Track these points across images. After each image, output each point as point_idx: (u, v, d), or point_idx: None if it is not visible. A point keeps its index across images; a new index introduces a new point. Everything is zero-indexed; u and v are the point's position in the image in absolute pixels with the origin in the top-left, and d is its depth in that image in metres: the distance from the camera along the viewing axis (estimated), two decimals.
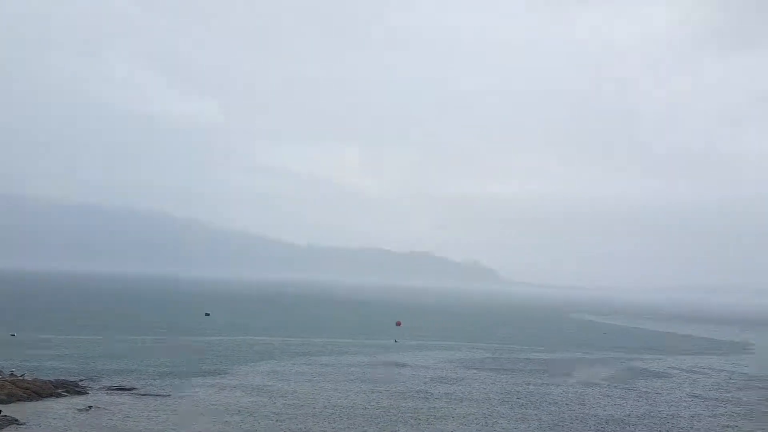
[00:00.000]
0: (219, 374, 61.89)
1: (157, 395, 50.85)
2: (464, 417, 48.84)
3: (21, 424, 40.55)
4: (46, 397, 48.44)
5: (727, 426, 50.84)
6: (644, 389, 67.22)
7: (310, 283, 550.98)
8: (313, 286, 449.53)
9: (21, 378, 51.89)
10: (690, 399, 62.79)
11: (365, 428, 43.75)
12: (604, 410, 54.74)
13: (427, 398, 55.39)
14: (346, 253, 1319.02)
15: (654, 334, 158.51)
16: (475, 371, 73.00)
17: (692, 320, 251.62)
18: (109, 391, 51.66)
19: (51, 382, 52.04)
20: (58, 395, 49.35)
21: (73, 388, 51.69)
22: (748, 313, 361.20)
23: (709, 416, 54.41)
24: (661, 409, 56.37)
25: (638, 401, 59.92)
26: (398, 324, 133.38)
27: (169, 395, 51.09)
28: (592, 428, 47.73)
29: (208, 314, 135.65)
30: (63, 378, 55.11)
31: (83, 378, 56.05)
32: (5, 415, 41.84)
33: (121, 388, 52.96)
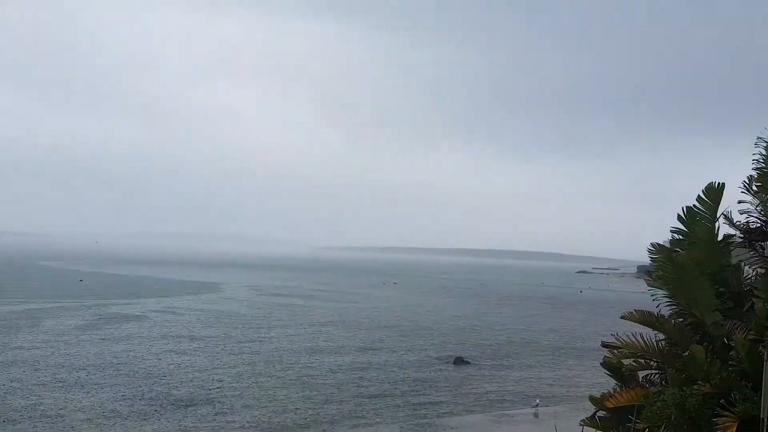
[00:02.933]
0: None
1: None
2: None
3: None
4: None
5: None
6: (118, 334, 67.87)
7: None
8: None
9: None
10: (161, 339, 66.08)
11: None
12: (72, 359, 53.44)
13: None
14: None
15: (132, 279, 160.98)
16: None
17: (166, 264, 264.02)
18: None
19: None
20: None
21: None
22: (214, 257, 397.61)
23: (177, 353, 58.36)
24: (132, 352, 57.95)
25: (108, 346, 60.42)
26: None
27: None
28: (59, 381, 46.12)
29: None
30: None
31: None
32: None
33: None
